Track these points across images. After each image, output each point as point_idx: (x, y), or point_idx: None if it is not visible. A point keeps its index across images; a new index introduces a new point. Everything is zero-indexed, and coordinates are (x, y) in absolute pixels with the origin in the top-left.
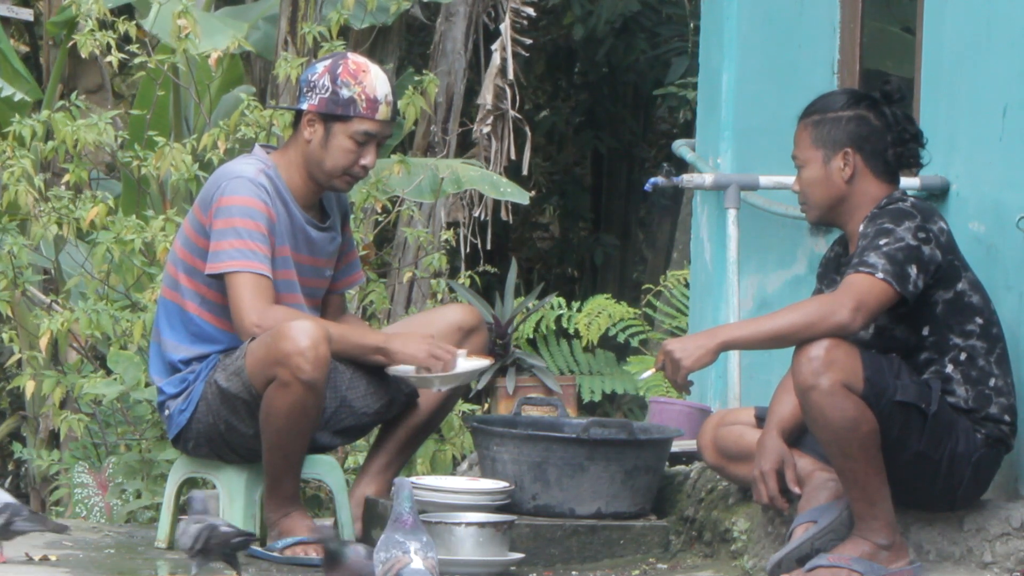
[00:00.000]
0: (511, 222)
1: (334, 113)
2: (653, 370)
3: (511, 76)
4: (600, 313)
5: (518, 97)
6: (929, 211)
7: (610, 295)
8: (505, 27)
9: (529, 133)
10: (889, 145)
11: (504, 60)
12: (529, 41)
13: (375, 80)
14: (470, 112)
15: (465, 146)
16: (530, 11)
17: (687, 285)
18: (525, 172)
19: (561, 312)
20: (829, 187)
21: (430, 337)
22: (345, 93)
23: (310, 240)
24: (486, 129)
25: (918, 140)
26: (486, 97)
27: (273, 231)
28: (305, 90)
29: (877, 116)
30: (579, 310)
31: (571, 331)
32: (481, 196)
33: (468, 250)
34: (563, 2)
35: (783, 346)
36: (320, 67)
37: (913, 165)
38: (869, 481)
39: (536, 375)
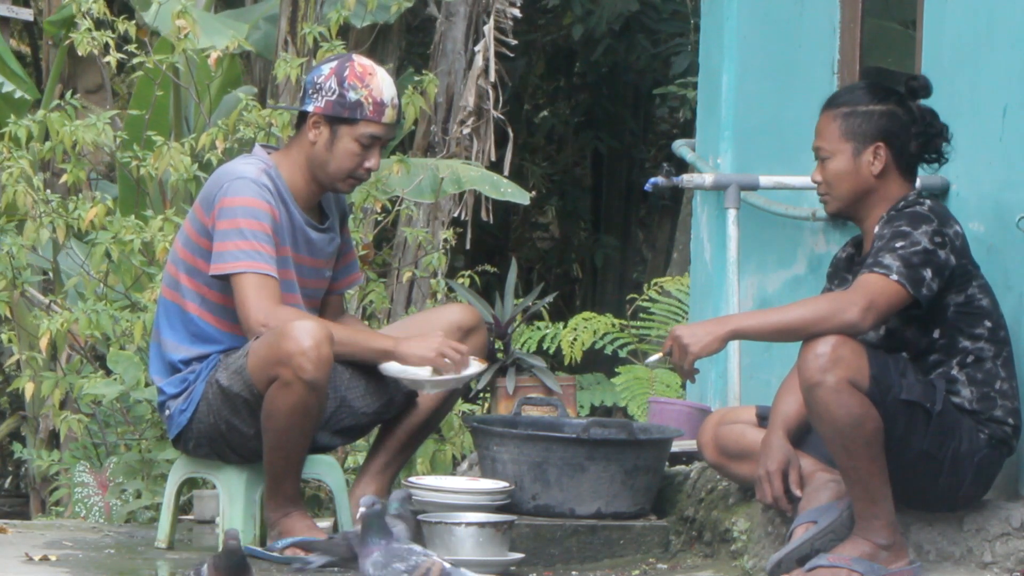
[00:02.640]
0: (491, 221)
1: (341, 116)
2: (660, 354)
3: (493, 77)
4: (583, 329)
5: (502, 98)
6: (945, 215)
7: (602, 301)
8: (488, 28)
9: (512, 134)
10: (913, 139)
11: (487, 61)
12: (514, 42)
13: (381, 83)
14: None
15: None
16: (516, 12)
17: (686, 291)
18: (506, 173)
19: (546, 332)
20: (857, 180)
21: (440, 336)
22: (352, 96)
23: (309, 241)
24: (467, 130)
25: (943, 135)
26: (468, 98)
27: (276, 231)
28: (311, 92)
29: (905, 111)
30: (564, 325)
31: (551, 352)
32: (461, 196)
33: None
34: (563, 2)
35: (790, 339)
36: (326, 69)
37: (937, 160)
38: (871, 480)
39: (536, 375)
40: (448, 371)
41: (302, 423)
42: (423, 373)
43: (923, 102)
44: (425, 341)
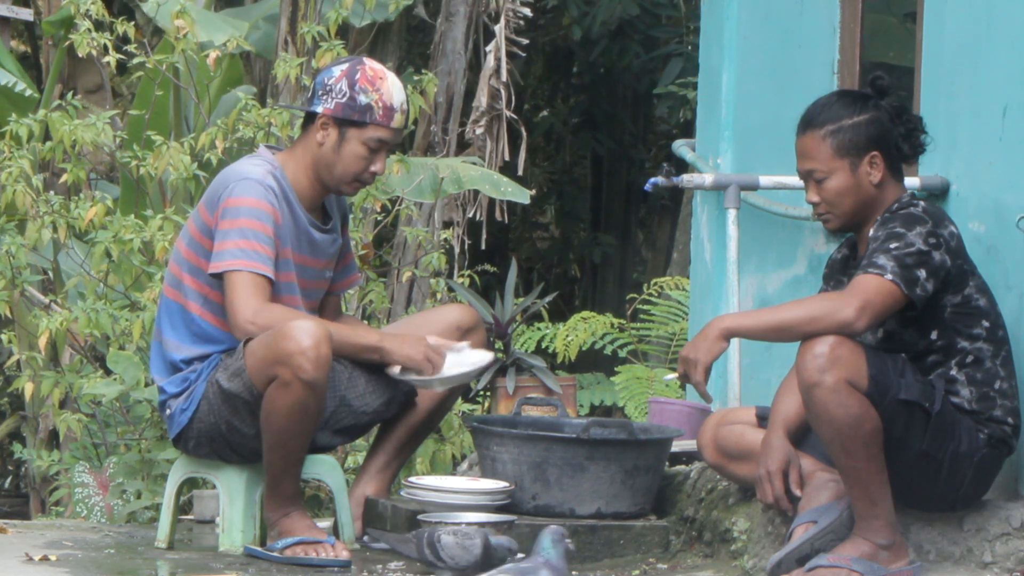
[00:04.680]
0: (506, 221)
1: (350, 119)
2: (676, 375)
3: (505, 77)
4: (581, 329)
5: (513, 98)
6: (940, 216)
7: (602, 301)
8: (500, 28)
9: (525, 134)
10: (901, 139)
11: (499, 61)
12: (525, 42)
13: (392, 88)
14: (470, 112)
15: (464, 146)
16: (527, 11)
17: (684, 290)
18: (520, 172)
19: (545, 332)
20: (859, 193)
21: (426, 341)
22: (363, 99)
23: (313, 241)
24: (480, 130)
25: (921, 127)
26: (481, 98)
27: (278, 233)
28: (320, 93)
29: (884, 113)
30: (564, 324)
31: (551, 350)
32: (476, 196)
33: (461, 250)
34: (561, 3)
35: (785, 339)
36: (337, 71)
37: (922, 152)
38: (871, 480)
39: (536, 375)
40: (428, 375)
41: (301, 423)
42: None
43: (924, 103)
44: (413, 341)
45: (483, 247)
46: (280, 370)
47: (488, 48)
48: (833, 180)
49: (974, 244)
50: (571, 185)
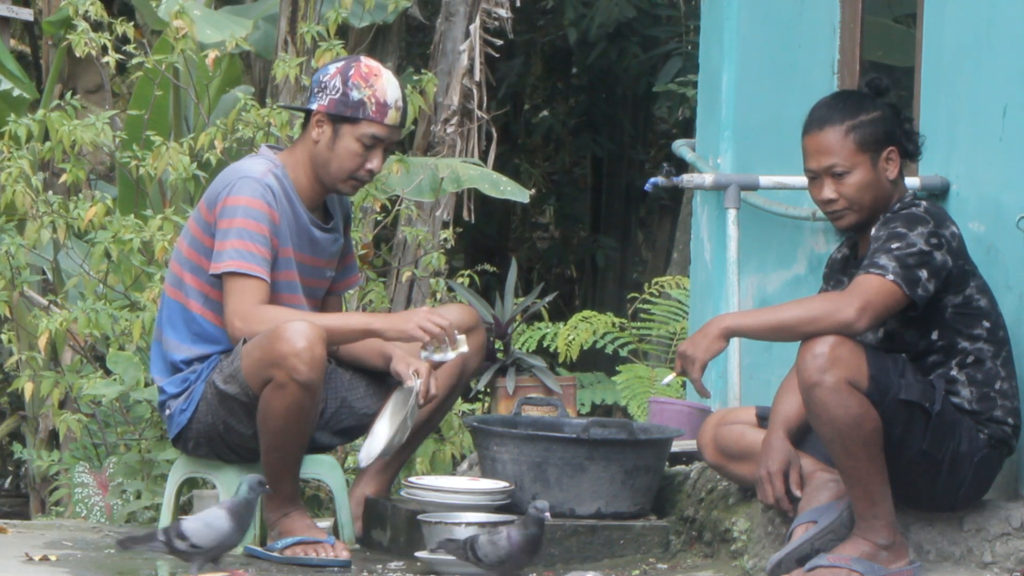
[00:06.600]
0: (472, 221)
1: (343, 114)
2: (673, 375)
3: (478, 77)
4: (582, 328)
5: (486, 98)
6: (941, 216)
7: (602, 301)
8: (475, 28)
9: (495, 135)
10: (905, 137)
11: (472, 61)
12: (499, 42)
13: (386, 84)
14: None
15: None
16: (502, 12)
17: (684, 289)
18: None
19: (546, 331)
20: (879, 188)
21: (424, 309)
22: (355, 95)
23: (314, 240)
24: (450, 128)
25: (915, 127)
26: (452, 97)
27: (276, 233)
28: (316, 90)
29: (888, 111)
30: (565, 324)
31: (552, 349)
32: (458, 196)
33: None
34: (559, 4)
35: (786, 339)
36: (332, 68)
37: (919, 151)
38: (871, 480)
39: (536, 375)
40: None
41: (298, 424)
42: (382, 442)
43: (923, 103)
44: (405, 314)
45: (451, 246)
46: (275, 372)
47: (462, 48)
48: (855, 175)
49: (974, 244)
50: (571, 186)
